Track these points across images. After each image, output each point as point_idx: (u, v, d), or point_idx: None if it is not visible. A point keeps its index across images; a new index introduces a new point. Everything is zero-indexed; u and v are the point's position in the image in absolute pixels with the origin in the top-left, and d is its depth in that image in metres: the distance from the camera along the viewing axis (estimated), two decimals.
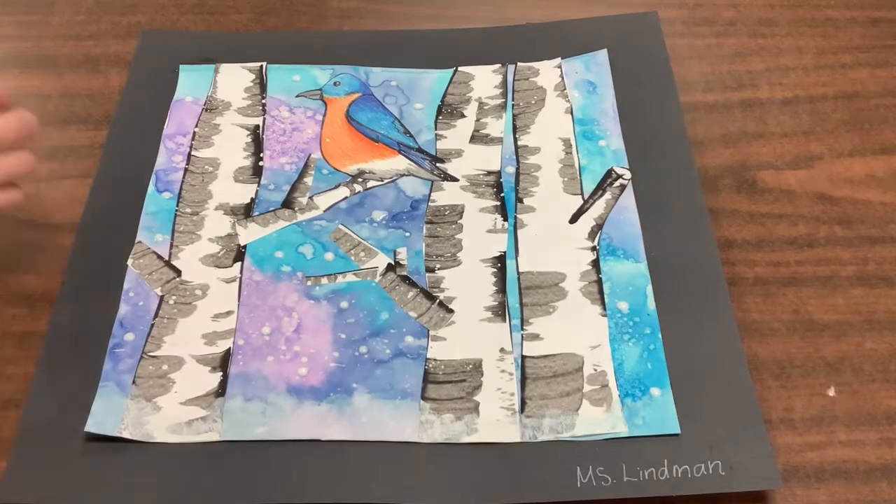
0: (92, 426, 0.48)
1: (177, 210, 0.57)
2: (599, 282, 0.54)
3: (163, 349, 0.51)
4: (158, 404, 0.49)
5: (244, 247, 0.55)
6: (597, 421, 0.49)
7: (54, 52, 0.68)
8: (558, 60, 0.65)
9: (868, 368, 0.53)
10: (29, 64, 0.67)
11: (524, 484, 0.46)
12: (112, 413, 0.48)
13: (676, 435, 0.48)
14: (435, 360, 0.51)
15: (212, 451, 0.48)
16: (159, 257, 0.55)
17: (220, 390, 0.50)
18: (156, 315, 0.52)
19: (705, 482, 0.46)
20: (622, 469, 0.47)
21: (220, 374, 0.50)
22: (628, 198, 0.58)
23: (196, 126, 0.61)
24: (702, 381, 0.50)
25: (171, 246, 0.55)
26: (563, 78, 0.64)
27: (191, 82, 0.64)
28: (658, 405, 0.49)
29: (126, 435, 0.48)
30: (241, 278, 0.54)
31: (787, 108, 0.66)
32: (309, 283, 0.54)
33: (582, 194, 0.58)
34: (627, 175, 0.59)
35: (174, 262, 0.55)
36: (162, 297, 0.53)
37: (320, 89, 0.64)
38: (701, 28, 0.71)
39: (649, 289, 0.53)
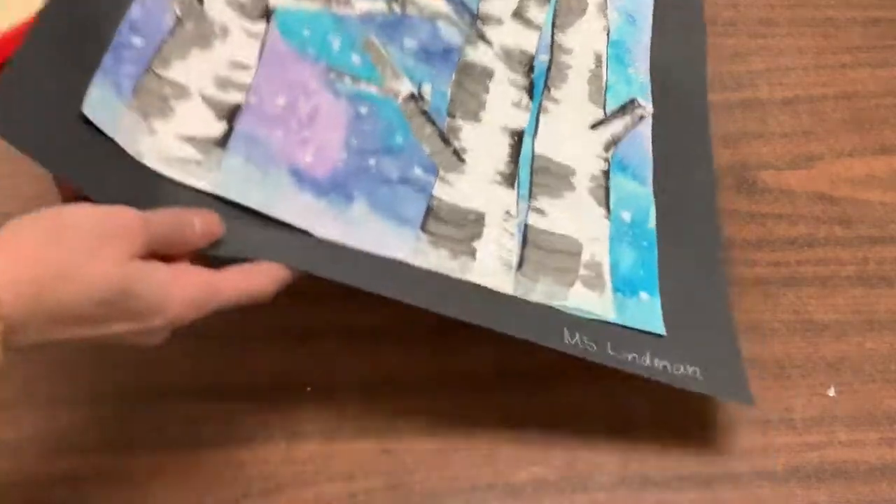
0: (89, 111, 0.42)
1: None
2: (607, 189, 0.54)
3: (170, 71, 0.46)
4: (154, 127, 0.45)
5: (273, 8, 0.51)
6: (588, 300, 0.49)
7: None
8: None
9: (868, 368, 0.53)
10: None
11: (513, 320, 0.46)
12: (108, 110, 0.43)
13: (660, 336, 0.49)
14: (440, 199, 0.50)
15: (197, 200, 0.44)
16: None
17: (222, 141, 0.46)
18: (170, 33, 0.47)
19: (682, 380, 0.47)
20: (607, 345, 0.47)
21: (226, 124, 0.47)
22: (645, 129, 0.58)
23: None
24: (687, 297, 0.51)
25: None
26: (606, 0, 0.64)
27: None
28: (646, 307, 0.50)
29: (119, 141, 0.43)
30: (265, 39, 0.49)
31: (787, 108, 0.66)
32: (332, 75, 0.50)
33: (604, 109, 0.58)
34: (649, 108, 0.59)
35: None
36: (179, 19, 0.48)
37: None
38: None
39: (652, 210, 0.54)
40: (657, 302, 0.50)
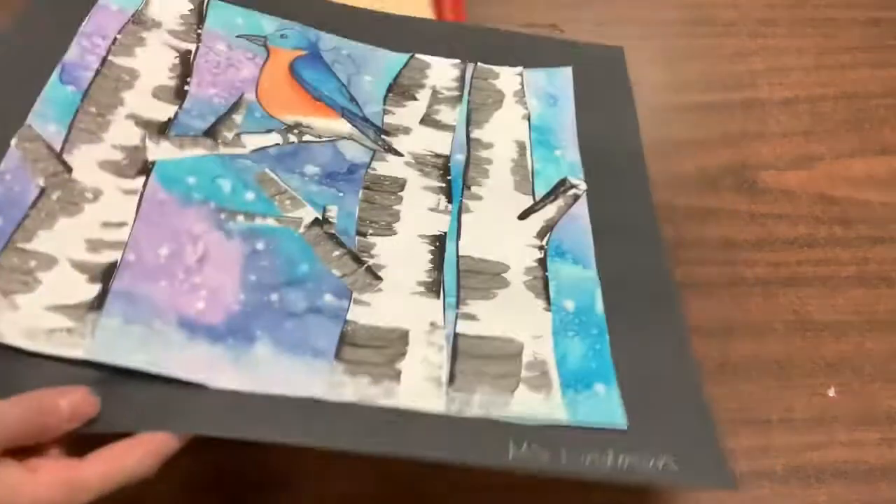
0: None
1: (80, 106, 0.50)
2: (545, 279, 0.50)
3: (34, 243, 0.44)
4: (16, 302, 0.42)
5: (152, 163, 0.49)
6: (534, 405, 0.44)
7: None
8: (520, 69, 0.62)
9: (868, 368, 0.53)
10: None
11: (449, 443, 0.42)
12: None
13: (623, 431, 0.44)
14: (355, 322, 0.46)
15: (71, 374, 0.41)
16: (49, 147, 0.47)
17: (97, 304, 0.43)
18: (32, 206, 0.45)
19: (654, 474, 0.43)
20: (561, 451, 0.42)
21: (100, 286, 0.43)
22: (582, 208, 0.54)
23: (119, 33, 0.54)
24: (650, 381, 0.47)
25: (66, 141, 0.48)
26: (523, 86, 0.61)
27: None
28: (603, 400, 0.45)
29: None
30: (143, 192, 0.47)
31: (787, 108, 0.66)
32: (223, 215, 0.48)
33: (533, 196, 0.54)
34: (582, 186, 0.55)
35: (66, 157, 0.47)
36: (43, 190, 0.46)
37: (265, 36, 0.58)
38: (701, 28, 0.71)
39: (598, 292, 0.50)
40: (615, 392, 0.46)
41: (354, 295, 0.47)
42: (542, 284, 0.50)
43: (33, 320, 0.41)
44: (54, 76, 0.51)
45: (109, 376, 0.41)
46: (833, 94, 0.67)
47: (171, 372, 0.41)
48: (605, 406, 0.45)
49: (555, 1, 0.71)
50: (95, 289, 0.43)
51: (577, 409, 0.44)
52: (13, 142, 0.47)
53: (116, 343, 0.42)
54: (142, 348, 0.42)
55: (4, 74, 0.51)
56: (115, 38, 0.54)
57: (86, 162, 0.48)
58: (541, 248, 0.52)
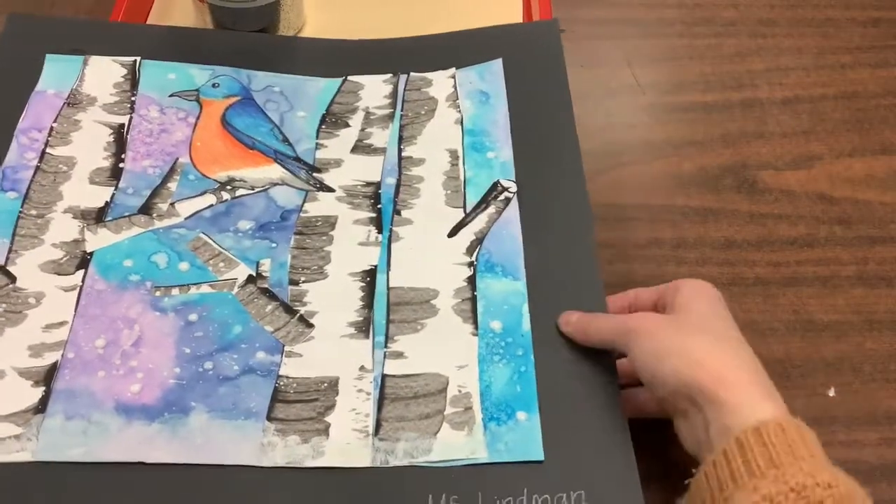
0: None
1: (21, 212, 0.52)
2: (474, 299, 0.51)
3: None
4: None
5: (90, 253, 0.51)
6: (456, 446, 0.45)
7: None
8: (452, 70, 0.62)
9: (868, 368, 0.53)
10: None
11: (370, 500, 0.43)
12: None
13: (540, 462, 0.45)
14: (287, 377, 0.47)
15: (23, 474, 0.43)
16: None
17: (41, 406, 0.45)
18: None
19: None
20: (478, 498, 0.43)
21: (43, 388, 0.46)
22: (513, 211, 0.54)
23: (55, 121, 0.56)
24: (572, 405, 0.47)
25: (10, 251, 0.50)
26: (455, 88, 0.61)
27: (56, 73, 0.58)
28: (523, 430, 0.46)
29: None
30: (81, 287, 0.49)
31: (787, 108, 0.66)
32: (158, 293, 0.50)
33: (464, 207, 0.54)
34: (513, 188, 0.55)
35: (10, 268, 0.50)
36: None
37: (197, 90, 0.59)
38: (701, 28, 0.71)
39: (525, 308, 0.50)
40: (536, 421, 0.46)
41: (287, 348, 0.48)
42: (470, 306, 0.50)
43: None
44: None
45: (53, 471, 0.43)
46: (833, 94, 0.67)
47: (109, 458, 0.44)
48: (526, 437, 0.46)
49: (556, 1, 0.71)
50: (39, 392, 0.46)
51: (497, 446, 0.45)
52: None
53: (58, 441, 0.44)
54: (81, 442, 0.44)
55: None
56: (52, 128, 0.56)
57: (28, 268, 0.50)
58: (470, 264, 0.52)
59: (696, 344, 0.42)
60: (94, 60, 0.60)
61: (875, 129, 0.65)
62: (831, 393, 0.52)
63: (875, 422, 0.51)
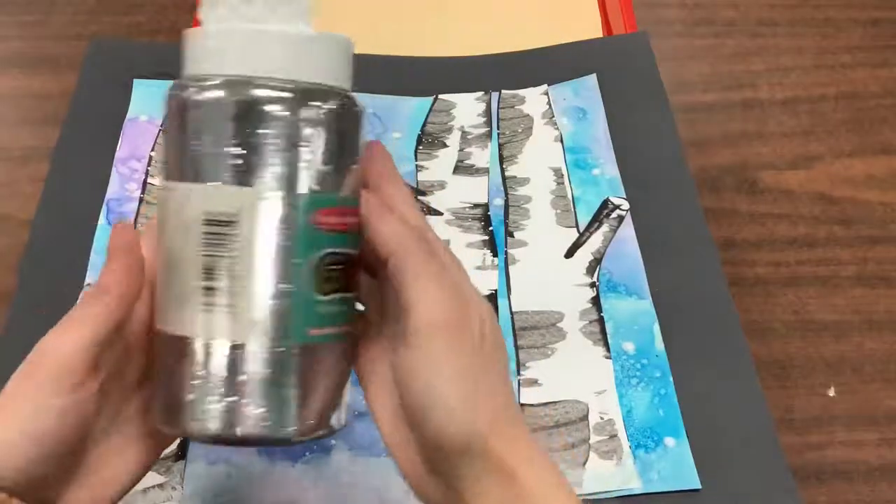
0: None
1: None
2: (601, 321, 0.50)
3: None
4: None
5: None
6: (607, 476, 0.44)
7: (55, 52, 0.68)
8: (545, 87, 0.61)
9: (868, 368, 0.53)
10: (29, 64, 0.67)
11: None
12: None
13: (696, 490, 0.44)
14: None
15: None
16: None
17: (181, 453, 0.44)
18: None
19: None
20: None
21: None
22: (627, 229, 0.54)
23: (153, 150, 0.55)
24: (720, 428, 0.46)
25: None
26: (550, 105, 0.60)
27: (145, 98, 0.58)
28: (674, 457, 0.45)
29: None
30: None
31: (787, 108, 0.66)
32: None
33: (577, 227, 0.54)
34: (625, 205, 0.55)
35: None
36: None
37: None
38: (701, 28, 0.71)
39: (656, 327, 0.49)
40: (686, 447, 0.45)
41: None
42: (598, 328, 0.50)
43: None
44: (101, 219, 0.52)
45: None
46: (833, 94, 0.67)
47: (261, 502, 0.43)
48: (678, 464, 0.45)
49: (544, 24, 0.71)
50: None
51: (649, 475, 0.44)
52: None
53: (204, 487, 0.43)
54: (227, 487, 0.43)
55: (54, 225, 0.52)
56: (150, 157, 0.55)
57: None
58: (592, 285, 0.52)
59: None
60: None
61: (875, 129, 0.65)
62: (831, 393, 0.52)
63: (875, 422, 0.50)
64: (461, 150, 0.59)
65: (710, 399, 0.47)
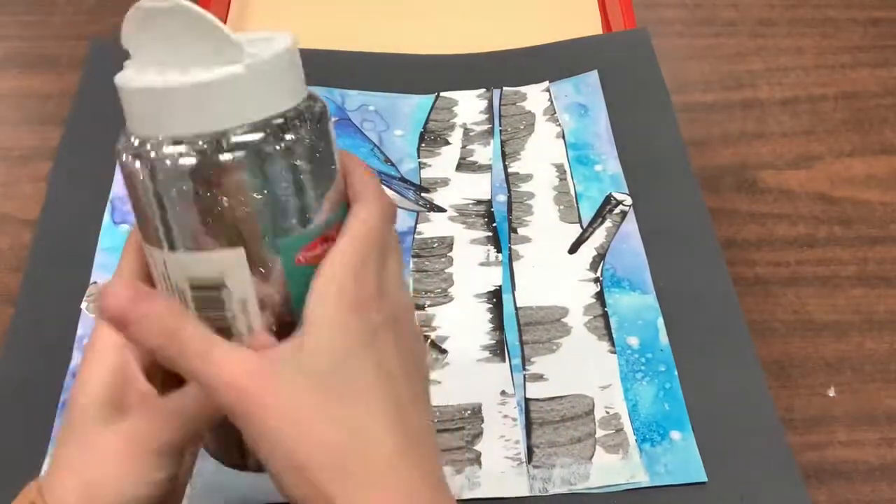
0: None
1: None
2: (605, 316, 0.50)
3: None
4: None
5: None
6: (614, 470, 0.45)
7: (55, 52, 0.68)
8: (546, 84, 0.62)
9: (868, 368, 0.53)
10: (29, 64, 0.67)
11: None
12: None
13: (703, 483, 0.44)
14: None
15: None
16: None
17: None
18: None
19: None
20: None
21: None
22: (630, 225, 0.54)
23: None
24: (726, 421, 0.46)
25: None
26: (552, 101, 0.61)
27: None
28: (680, 450, 0.45)
29: None
30: None
31: (787, 108, 0.66)
32: None
33: (580, 223, 0.55)
34: (628, 201, 0.55)
35: None
36: None
37: None
38: (701, 28, 0.71)
39: (660, 321, 0.50)
40: (692, 440, 0.45)
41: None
42: (603, 323, 0.50)
43: None
44: (106, 218, 0.52)
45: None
46: (833, 94, 0.67)
47: (266, 500, 0.42)
48: (684, 458, 0.45)
49: (543, 21, 0.71)
50: None
51: (656, 469, 0.44)
52: (83, 305, 0.49)
53: (214, 483, 0.43)
54: (235, 484, 0.43)
55: (59, 224, 0.52)
56: None
57: None
58: (596, 280, 0.52)
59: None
60: None
61: (875, 129, 0.65)
62: (831, 393, 0.52)
63: (875, 422, 0.51)
64: (464, 147, 0.59)
65: (714, 392, 0.47)
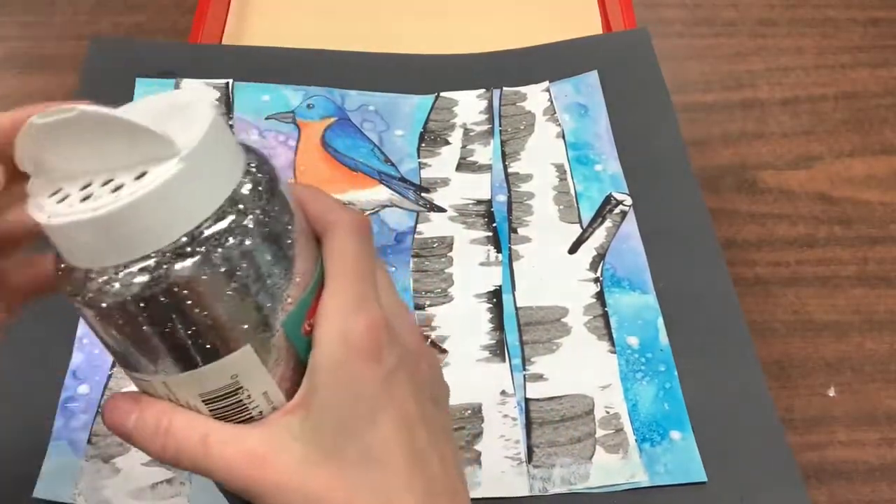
0: (42, 492, 0.43)
1: None
2: (605, 315, 0.50)
3: None
4: (117, 466, 0.44)
5: None
6: (613, 469, 0.45)
7: (55, 52, 0.68)
8: (546, 84, 0.62)
9: (868, 368, 0.53)
10: (29, 64, 0.67)
11: None
12: (65, 476, 0.43)
13: (703, 483, 0.44)
14: None
15: None
16: None
17: None
18: (113, 365, 0.47)
19: None
20: None
21: None
22: (630, 225, 0.54)
23: None
24: (726, 421, 0.46)
25: None
26: (552, 101, 0.61)
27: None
28: (680, 450, 0.45)
29: (81, 502, 0.43)
30: None
31: (787, 108, 0.66)
32: None
33: (580, 223, 0.55)
34: (628, 201, 0.55)
35: None
36: None
37: (292, 112, 0.58)
38: (701, 28, 0.71)
39: (660, 321, 0.50)
40: (692, 440, 0.45)
41: None
42: (603, 323, 0.50)
43: (136, 480, 0.43)
44: None
45: None
46: (833, 94, 0.67)
47: None
48: (684, 458, 0.45)
49: (543, 22, 0.71)
50: None
51: (655, 468, 0.45)
52: None
53: (212, 482, 0.42)
54: None
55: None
56: None
57: None
58: (596, 280, 0.52)
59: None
60: (186, 84, 0.59)
61: (875, 129, 0.65)
62: (831, 393, 0.52)
63: (875, 422, 0.51)
64: (464, 147, 0.59)
65: (714, 392, 0.47)
